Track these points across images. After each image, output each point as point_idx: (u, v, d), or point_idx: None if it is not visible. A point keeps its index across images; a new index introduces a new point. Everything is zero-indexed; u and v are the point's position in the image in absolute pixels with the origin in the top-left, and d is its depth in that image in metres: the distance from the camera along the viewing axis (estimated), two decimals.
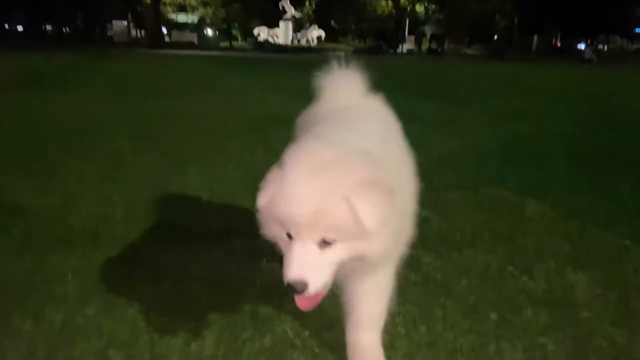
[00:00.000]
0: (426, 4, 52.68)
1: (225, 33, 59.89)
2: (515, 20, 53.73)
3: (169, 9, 54.61)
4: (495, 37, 54.86)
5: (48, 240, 2.97)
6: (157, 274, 2.60)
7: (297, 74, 17.96)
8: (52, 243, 2.93)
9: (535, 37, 52.65)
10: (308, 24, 54.31)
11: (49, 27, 58.35)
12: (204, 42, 54.06)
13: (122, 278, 2.56)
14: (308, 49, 47.34)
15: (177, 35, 54.43)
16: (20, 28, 57.45)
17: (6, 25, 55.34)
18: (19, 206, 3.53)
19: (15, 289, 2.42)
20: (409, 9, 52.43)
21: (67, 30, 57.26)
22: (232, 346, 2.02)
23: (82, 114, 7.81)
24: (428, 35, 54.83)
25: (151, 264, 2.74)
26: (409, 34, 53.39)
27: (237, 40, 60.96)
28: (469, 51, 53.11)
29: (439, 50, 51.68)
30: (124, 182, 4.21)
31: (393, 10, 52.16)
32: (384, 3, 51.67)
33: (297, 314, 2.10)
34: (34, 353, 1.94)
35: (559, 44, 56.16)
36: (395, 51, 50.18)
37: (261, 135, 6.21)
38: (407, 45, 52.11)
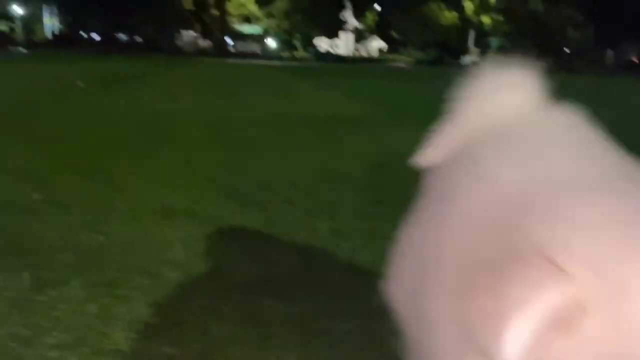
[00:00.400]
0: (493, 15, 51.54)
1: (287, 43, 61.25)
2: (589, 33, 51.50)
3: (234, 20, 56.58)
4: (567, 49, 52.83)
5: (152, 214, 3.27)
6: (252, 247, 2.83)
7: (357, 81, 18.41)
8: (155, 217, 3.23)
9: (611, 51, 50.21)
10: (369, 35, 54.61)
11: (121, 36, 62.03)
12: (266, 52, 55.70)
13: (221, 248, 2.80)
14: (368, 60, 47.66)
15: (241, 46, 56.31)
16: (95, 36, 61.34)
17: (83, 34, 59.35)
18: (121, 185, 3.89)
19: (132, 252, 2.70)
20: (474, 20, 51.55)
21: (138, 39, 60.59)
22: (329, 310, 2.18)
23: (159, 110, 8.33)
24: (494, 47, 53.62)
25: (244, 238, 2.96)
26: (474, 45, 52.45)
27: (298, 50, 62.14)
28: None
29: None
30: (207, 168, 4.53)
31: (458, 22, 51.49)
32: (448, 14, 51.08)
33: None
34: (156, 304, 2.18)
35: (636, 60, 53.29)
36: (458, 63, 49.46)
37: (328, 132, 6.61)
38: (471, 57, 51.20)
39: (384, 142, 6.35)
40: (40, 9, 53.21)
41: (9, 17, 53.14)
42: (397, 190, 4.10)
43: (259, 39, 58.84)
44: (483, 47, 52.37)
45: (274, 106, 9.43)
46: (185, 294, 2.26)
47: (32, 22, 52.93)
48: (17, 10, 51.31)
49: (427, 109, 8.38)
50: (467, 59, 51.47)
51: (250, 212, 3.44)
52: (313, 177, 4.40)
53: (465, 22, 51.41)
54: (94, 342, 1.89)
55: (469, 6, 50.88)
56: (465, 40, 52.42)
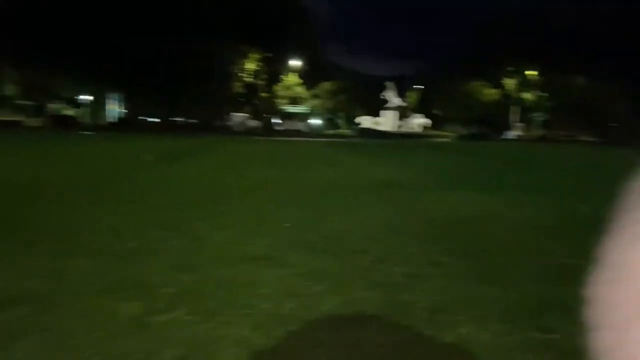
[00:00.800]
0: (535, 91, 52.13)
1: (331, 121, 63.59)
2: (635, 106, 50.89)
3: (282, 101, 59.65)
4: (613, 123, 52.13)
5: (235, 259, 3.51)
6: (332, 285, 2.99)
7: (402, 154, 18.88)
8: (239, 261, 3.47)
9: None
10: (411, 112, 56.01)
11: (178, 118, 66.18)
12: (311, 129, 57.96)
13: (305, 286, 2.97)
14: (410, 136, 48.55)
15: (287, 124, 58.96)
16: (153, 119, 65.68)
17: (143, 117, 63.80)
18: (202, 237, 4.19)
19: (225, 288, 2.92)
20: (516, 97, 52.25)
21: (194, 120, 64.45)
22: (422, 340, 2.29)
23: (222, 179, 8.83)
24: (537, 122, 53.77)
25: (323, 279, 3.12)
26: (516, 120, 52.83)
27: (342, 128, 64.29)
28: (583, 137, 50.92)
29: (549, 136, 50.20)
30: (277, 225, 4.79)
31: (500, 98, 52.32)
32: (489, 91, 52.13)
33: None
34: (257, 329, 2.35)
35: None
36: (501, 137, 49.68)
37: (384, 194, 6.96)
38: (514, 132, 51.39)
39: (437, 202, 6.50)
40: (109, 97, 58.10)
41: (78, 104, 58.28)
42: (459, 243, 4.22)
43: (303, 117, 61.41)
44: (526, 122, 52.58)
45: (328, 174, 9.82)
46: (282, 322, 2.43)
47: (97, 107, 57.60)
48: (86, 97, 56.35)
49: (472, 176, 8.77)
50: (510, 134, 51.63)
51: (324, 258, 3.63)
52: (378, 230, 4.59)
53: (507, 99, 52.08)
54: (209, 355, 2.07)
55: (510, 83, 51.75)
56: (508, 116, 52.82)
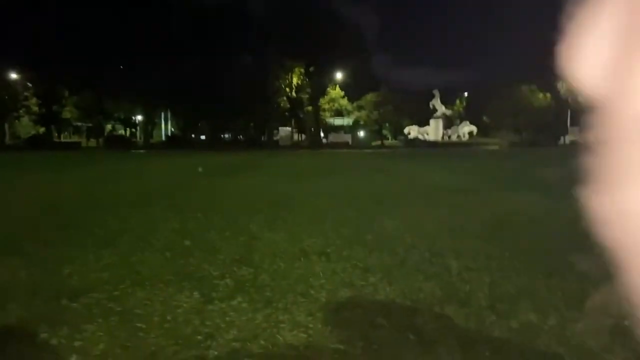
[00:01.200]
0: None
1: (376, 133, 63.39)
2: None
3: (327, 114, 60.10)
4: None
5: (289, 254, 3.56)
6: (388, 277, 2.96)
7: (452, 162, 18.58)
8: (293, 256, 3.52)
9: None
10: (459, 121, 55.01)
11: (226, 135, 67.95)
12: (357, 141, 57.99)
13: (360, 278, 2.96)
14: (458, 144, 47.65)
15: (332, 137, 59.27)
16: (203, 137, 67.79)
17: (193, 135, 66.00)
18: (257, 237, 4.27)
19: (281, 279, 2.97)
20: (570, 100, 50.26)
21: (241, 137, 66.00)
22: (483, 322, 2.23)
23: (274, 187, 8.94)
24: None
25: (377, 271, 3.11)
26: (571, 125, 50.72)
27: (388, 139, 63.93)
28: None
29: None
30: (331, 226, 4.79)
31: (552, 102, 50.41)
32: (541, 96, 50.38)
33: None
34: (315, 314, 2.37)
35: None
36: (556, 143, 47.91)
37: (438, 198, 6.79)
38: (570, 137, 49.43)
39: (493, 204, 6.33)
40: (159, 116, 60.54)
41: (132, 124, 61.09)
42: (516, 240, 4.09)
43: (349, 129, 61.52)
44: (583, 126, 50.40)
45: (380, 181, 9.80)
46: (337, 309, 2.44)
47: (150, 127, 60.11)
48: (138, 117, 59.01)
49: (523, 179, 8.52)
50: (566, 139, 49.66)
51: (379, 254, 3.61)
52: (433, 229, 4.52)
53: (560, 103, 50.15)
54: (268, 337, 2.10)
55: (563, 86, 49.87)
56: (562, 121, 50.82)
